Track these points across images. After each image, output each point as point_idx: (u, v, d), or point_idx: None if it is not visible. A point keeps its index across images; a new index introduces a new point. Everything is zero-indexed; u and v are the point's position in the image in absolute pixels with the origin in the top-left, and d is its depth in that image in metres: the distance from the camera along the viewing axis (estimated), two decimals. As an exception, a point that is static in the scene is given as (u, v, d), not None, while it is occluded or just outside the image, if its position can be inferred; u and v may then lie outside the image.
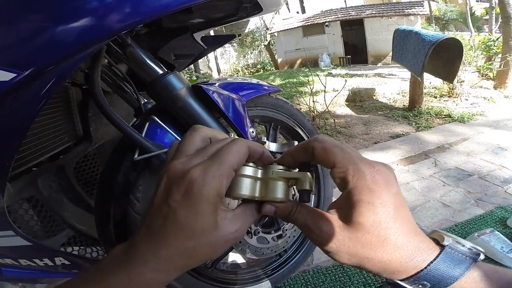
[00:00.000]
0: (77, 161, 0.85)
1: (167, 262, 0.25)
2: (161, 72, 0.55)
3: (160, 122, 0.54)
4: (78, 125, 0.75)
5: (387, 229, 0.24)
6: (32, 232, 0.68)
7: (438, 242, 0.26)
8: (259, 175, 0.28)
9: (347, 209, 0.25)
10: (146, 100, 0.78)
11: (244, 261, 1.10)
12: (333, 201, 0.28)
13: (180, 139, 0.56)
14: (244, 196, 0.27)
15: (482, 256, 0.25)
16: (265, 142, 0.30)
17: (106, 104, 0.48)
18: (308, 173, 0.28)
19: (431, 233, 0.27)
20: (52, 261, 0.68)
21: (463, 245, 0.25)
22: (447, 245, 0.25)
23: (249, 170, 0.27)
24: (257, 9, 0.67)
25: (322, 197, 0.97)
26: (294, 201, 0.29)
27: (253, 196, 0.28)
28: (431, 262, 0.24)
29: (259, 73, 11.73)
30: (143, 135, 0.52)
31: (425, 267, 0.24)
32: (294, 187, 0.29)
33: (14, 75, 0.30)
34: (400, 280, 0.25)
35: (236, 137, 0.29)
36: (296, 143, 0.31)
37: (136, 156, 0.50)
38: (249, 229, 0.73)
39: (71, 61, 0.34)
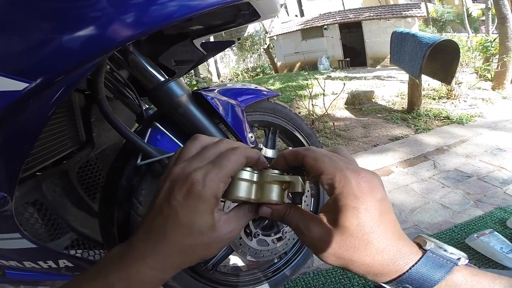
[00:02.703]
0: (80, 165, 0.87)
1: (165, 259, 0.26)
2: (162, 79, 0.56)
3: (162, 128, 0.56)
4: (81, 130, 0.77)
5: (371, 233, 0.26)
6: (37, 235, 0.70)
7: (421, 246, 0.27)
8: (255, 179, 0.30)
9: (334, 213, 0.27)
10: (147, 106, 0.79)
11: (245, 263, 1.11)
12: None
13: (181, 144, 0.58)
14: (241, 198, 0.29)
15: (463, 260, 0.26)
16: (261, 149, 0.32)
17: (110, 111, 0.50)
18: (300, 177, 0.30)
19: (416, 237, 0.28)
20: (56, 263, 0.69)
21: (445, 250, 0.27)
22: (428, 250, 0.26)
23: (246, 174, 0.29)
24: (255, 16, 0.69)
25: (321, 200, 0.98)
26: (288, 204, 0.31)
27: (249, 198, 0.30)
28: (413, 266, 0.25)
29: (258, 76, 11.78)
30: (145, 141, 0.54)
31: (407, 271, 0.25)
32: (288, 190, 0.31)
33: (27, 84, 0.32)
34: (385, 283, 0.27)
35: (234, 141, 0.31)
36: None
37: (139, 161, 0.51)
38: (249, 231, 0.74)
39: (80, 70, 0.36)
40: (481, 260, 1.09)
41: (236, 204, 0.32)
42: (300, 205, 0.31)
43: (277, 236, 0.80)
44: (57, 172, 0.78)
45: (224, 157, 0.28)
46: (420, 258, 0.26)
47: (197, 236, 0.26)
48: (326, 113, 2.86)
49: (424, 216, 1.41)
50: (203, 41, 0.83)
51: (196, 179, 0.26)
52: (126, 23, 0.36)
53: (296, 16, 14.47)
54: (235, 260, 1.14)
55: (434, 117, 2.96)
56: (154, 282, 0.27)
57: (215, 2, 0.45)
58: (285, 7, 13.61)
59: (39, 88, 0.33)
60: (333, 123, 2.87)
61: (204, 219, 0.27)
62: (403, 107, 3.41)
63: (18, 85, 0.32)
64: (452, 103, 3.45)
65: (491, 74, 4.24)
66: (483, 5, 9.65)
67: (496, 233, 1.14)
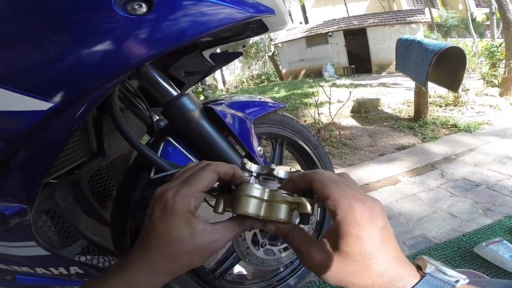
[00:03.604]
0: (91, 175, 0.89)
1: (153, 265, 0.31)
2: (174, 93, 0.58)
3: (174, 142, 0.57)
4: (93, 141, 0.79)
5: (371, 259, 0.27)
6: (50, 242, 0.72)
7: (421, 269, 0.28)
8: (265, 197, 0.31)
9: (336, 238, 0.28)
10: (158, 117, 0.81)
11: (250, 272, 1.11)
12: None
13: (192, 157, 0.60)
14: (249, 214, 0.31)
15: (462, 282, 0.27)
16: (274, 169, 0.33)
17: (125, 125, 0.51)
18: (309, 199, 0.31)
19: (417, 259, 0.30)
20: (67, 270, 0.71)
21: (444, 273, 0.28)
22: (428, 273, 0.27)
23: (256, 191, 0.31)
24: (263, 28, 0.71)
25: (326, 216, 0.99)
26: (292, 224, 0.32)
27: (258, 215, 0.31)
28: None
29: (263, 84, 11.83)
30: (158, 154, 0.56)
31: None
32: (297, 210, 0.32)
33: (51, 104, 0.34)
34: None
35: (208, 162, 0.34)
36: None
37: (152, 175, 0.53)
38: (256, 241, 0.75)
39: (103, 88, 0.38)
40: (490, 269, 1.07)
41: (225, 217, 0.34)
42: (307, 225, 0.32)
43: (284, 245, 0.81)
44: (70, 181, 0.80)
45: (194, 175, 0.32)
46: (419, 281, 0.27)
47: (176, 244, 0.30)
48: (332, 121, 2.86)
49: (432, 225, 1.40)
50: (212, 52, 0.85)
51: (167, 197, 0.31)
52: (148, 42, 0.38)
53: (301, 23, 14.55)
54: (240, 268, 1.14)
55: (441, 125, 2.92)
56: (148, 286, 0.31)
57: (231, 20, 0.47)
58: (290, 14, 13.71)
59: (64, 107, 0.35)
60: (339, 131, 2.86)
61: (180, 229, 0.30)
62: (409, 115, 3.38)
63: (43, 105, 0.34)
64: (459, 110, 3.41)
65: (498, 80, 4.19)
66: (487, 10, 9.56)
67: (505, 241, 1.13)
